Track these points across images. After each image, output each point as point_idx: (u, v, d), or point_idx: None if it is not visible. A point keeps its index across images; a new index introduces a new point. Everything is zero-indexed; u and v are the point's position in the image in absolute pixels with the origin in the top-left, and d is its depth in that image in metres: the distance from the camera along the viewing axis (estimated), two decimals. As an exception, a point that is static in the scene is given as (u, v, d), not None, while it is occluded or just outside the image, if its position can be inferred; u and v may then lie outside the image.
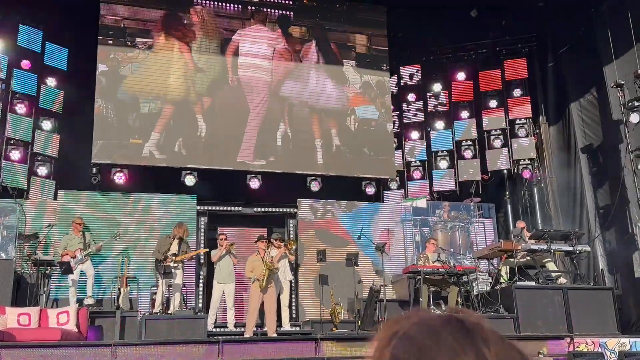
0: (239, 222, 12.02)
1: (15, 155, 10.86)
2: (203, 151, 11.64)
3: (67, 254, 9.47)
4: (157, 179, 11.62)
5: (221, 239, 9.86)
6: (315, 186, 12.02)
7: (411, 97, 13.91)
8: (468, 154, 13.35)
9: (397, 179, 13.18)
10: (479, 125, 13.55)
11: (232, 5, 12.44)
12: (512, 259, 9.90)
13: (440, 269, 9.35)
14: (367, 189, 12.47)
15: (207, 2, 12.28)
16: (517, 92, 13.50)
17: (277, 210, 12.19)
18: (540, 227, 11.51)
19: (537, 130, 13.38)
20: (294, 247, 10.39)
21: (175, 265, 9.31)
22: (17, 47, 11.38)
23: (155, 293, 9.70)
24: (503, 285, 9.82)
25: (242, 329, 9.35)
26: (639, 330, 9.85)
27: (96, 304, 9.62)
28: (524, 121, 13.30)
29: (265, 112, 12.14)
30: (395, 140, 13.29)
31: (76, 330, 7.96)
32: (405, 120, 13.83)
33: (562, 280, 9.79)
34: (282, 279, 9.93)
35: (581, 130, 12.35)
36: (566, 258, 10.73)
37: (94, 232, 10.35)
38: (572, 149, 12.49)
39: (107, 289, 10.26)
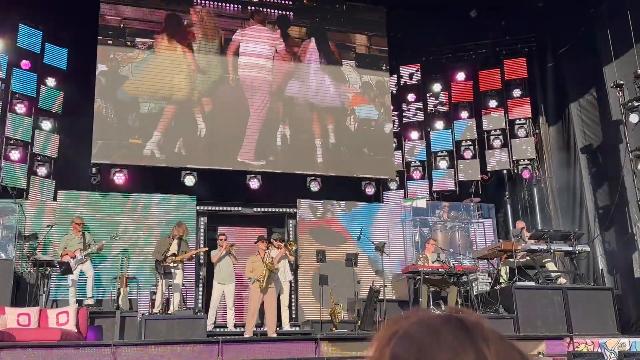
0: (239, 222, 12.01)
1: (15, 155, 10.86)
2: (203, 151, 11.64)
3: (67, 254, 9.46)
4: (157, 179, 11.61)
5: (221, 240, 9.86)
6: (314, 186, 12.02)
7: (411, 97, 13.92)
8: (468, 154, 13.35)
9: (397, 179, 13.19)
10: (479, 125, 13.56)
11: (231, 5, 12.44)
12: (511, 259, 9.90)
13: (439, 269, 9.35)
14: (367, 189, 12.48)
15: (207, 2, 12.28)
16: (516, 92, 13.50)
17: (277, 210, 12.19)
18: (539, 228, 11.51)
19: (537, 131, 13.39)
20: (294, 248, 10.39)
21: (175, 265, 9.30)
22: (17, 47, 11.38)
23: (154, 293, 9.70)
24: (503, 285, 9.82)
25: (242, 329, 9.35)
26: (638, 330, 9.85)
27: (96, 304, 9.61)
28: (524, 121, 13.30)
29: (265, 112, 12.14)
30: (395, 140, 13.30)
31: (76, 330, 7.95)
32: (405, 120, 13.83)
33: (562, 280, 9.79)
34: (282, 279, 9.93)
35: (581, 130, 12.35)
36: (566, 258, 10.74)
37: (94, 232, 10.35)
38: (572, 149, 12.50)
39: (107, 289, 10.26)
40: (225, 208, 11.90)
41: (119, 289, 9.81)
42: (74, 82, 11.72)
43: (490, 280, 10.62)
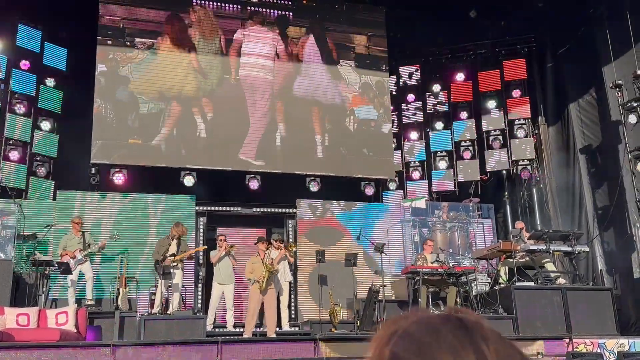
0: (238, 223, 12.01)
1: (14, 155, 10.86)
2: (202, 151, 11.65)
3: (67, 254, 9.45)
4: (156, 180, 11.61)
5: (220, 240, 9.86)
6: (314, 187, 12.03)
7: (410, 97, 13.93)
8: (467, 154, 13.36)
9: (396, 179, 13.19)
10: (478, 125, 13.56)
11: (231, 5, 12.44)
12: (511, 260, 9.90)
13: (439, 270, 9.35)
14: (366, 190, 12.48)
15: (206, 2, 12.28)
16: (516, 93, 13.51)
17: (276, 210, 12.18)
18: (539, 228, 11.53)
19: (536, 131, 13.39)
20: (294, 249, 10.38)
21: (175, 265, 9.30)
22: (16, 47, 11.38)
23: (154, 293, 9.69)
24: (502, 285, 9.82)
25: (241, 330, 9.35)
26: (637, 330, 9.86)
27: (95, 304, 9.60)
28: (523, 122, 13.31)
29: (264, 112, 12.15)
30: (394, 140, 13.30)
31: (75, 330, 7.95)
32: (405, 120, 13.84)
33: (561, 280, 9.79)
34: (281, 279, 9.92)
35: (580, 130, 12.36)
36: (565, 258, 10.74)
37: (93, 232, 10.33)
38: (571, 150, 12.51)
39: (106, 289, 10.25)
40: (224, 208, 11.90)
41: (118, 289, 9.81)
42: (74, 82, 11.72)
43: (489, 281, 10.62)
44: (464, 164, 13.33)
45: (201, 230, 11.56)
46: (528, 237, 10.26)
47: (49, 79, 11.65)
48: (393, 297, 11.10)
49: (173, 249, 9.41)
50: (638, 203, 10.16)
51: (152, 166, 11.42)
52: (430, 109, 13.95)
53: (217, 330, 9.80)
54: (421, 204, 12.31)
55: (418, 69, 13.96)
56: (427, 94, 13.98)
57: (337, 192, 12.21)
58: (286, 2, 12.83)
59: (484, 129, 13.51)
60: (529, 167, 13.04)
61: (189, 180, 11.32)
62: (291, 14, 12.85)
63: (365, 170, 12.50)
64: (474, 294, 9.63)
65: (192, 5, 12.19)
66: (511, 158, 13.14)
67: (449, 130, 13.64)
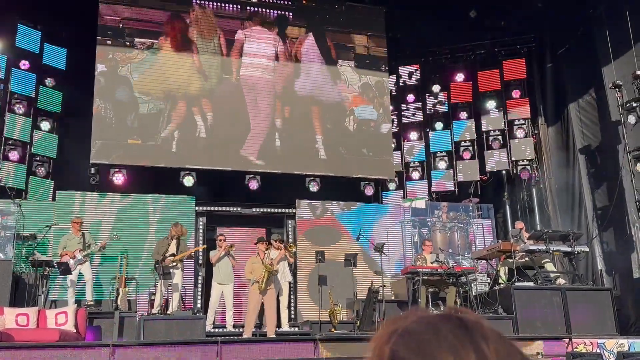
0: (238, 223, 12.00)
1: (14, 155, 10.85)
2: (202, 151, 11.64)
3: (67, 254, 9.44)
4: (156, 180, 11.60)
5: (220, 240, 9.86)
6: (314, 187, 12.03)
7: (410, 97, 13.94)
8: (467, 154, 13.37)
9: (396, 179, 13.19)
10: (478, 126, 13.57)
11: (231, 5, 12.44)
12: (510, 260, 9.90)
13: (438, 270, 9.34)
14: (366, 190, 12.47)
15: (206, 2, 12.28)
16: (515, 93, 13.51)
17: (276, 210, 12.18)
18: (538, 228, 11.53)
19: (536, 131, 13.40)
20: (294, 249, 10.38)
21: (174, 265, 9.29)
22: (16, 47, 11.38)
23: (153, 293, 9.69)
24: (502, 286, 9.82)
25: (241, 330, 9.35)
26: (637, 330, 9.86)
27: (95, 305, 9.60)
28: (523, 122, 13.31)
29: (264, 113, 12.14)
30: (394, 140, 13.30)
31: (74, 330, 7.94)
32: (404, 120, 13.85)
33: (561, 280, 9.79)
34: (281, 280, 9.92)
35: (579, 131, 12.36)
36: (565, 259, 10.73)
37: (92, 232, 10.32)
38: (571, 150, 12.51)
39: (106, 289, 10.25)
40: (224, 208, 11.89)
41: (117, 289, 9.80)
42: (73, 82, 11.72)
43: (489, 281, 10.62)
44: (464, 164, 13.33)
45: (201, 231, 11.56)
46: (528, 238, 10.26)
47: (48, 79, 11.65)
48: (392, 298, 11.09)
49: (173, 249, 9.41)
50: (637, 203, 10.16)
51: (151, 166, 11.42)
52: (430, 109, 13.96)
53: (216, 330, 9.80)
54: (421, 204, 12.32)
55: (418, 69, 13.97)
56: (427, 94, 13.99)
57: (336, 192, 12.21)
58: (286, 2, 12.83)
59: (484, 129, 13.52)
60: (528, 167, 13.05)
61: (188, 181, 11.32)
62: (291, 14, 12.86)
63: (365, 171, 12.50)
64: (473, 294, 9.63)
65: (192, 5, 12.19)
66: (511, 158, 13.15)
67: (449, 131, 13.65)
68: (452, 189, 13.30)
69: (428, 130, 13.81)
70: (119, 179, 11.15)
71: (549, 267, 10.12)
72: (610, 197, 11.35)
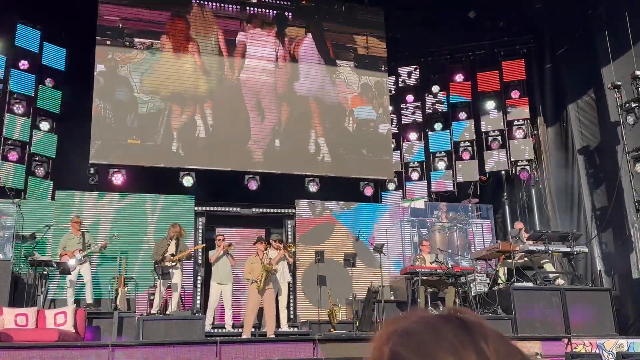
0: (237, 223, 12.00)
1: (13, 155, 10.85)
2: (202, 151, 11.64)
3: (66, 254, 9.43)
4: (155, 180, 11.59)
5: (219, 240, 9.86)
6: (313, 187, 12.03)
7: (409, 97, 13.95)
8: (466, 155, 13.37)
9: (395, 179, 13.20)
10: (477, 126, 13.57)
11: (230, 5, 12.44)
12: (509, 260, 9.90)
13: (438, 270, 9.34)
14: (365, 190, 12.47)
15: (206, 2, 12.27)
16: (515, 94, 13.52)
17: (275, 211, 12.18)
18: (538, 228, 11.53)
19: (535, 132, 13.41)
20: (293, 249, 10.38)
21: (173, 265, 9.29)
22: (15, 47, 11.37)
23: (152, 294, 9.68)
24: (501, 286, 9.82)
25: (240, 330, 9.34)
26: (636, 331, 9.86)
27: (94, 305, 9.59)
28: (522, 122, 13.32)
29: (264, 113, 12.14)
30: (394, 140, 13.31)
31: (73, 330, 7.94)
32: (404, 121, 13.86)
33: (560, 281, 9.79)
34: (280, 280, 9.92)
35: (579, 131, 12.37)
36: (564, 259, 10.73)
37: (92, 232, 10.32)
38: (570, 150, 12.52)
39: (105, 289, 10.24)
40: (223, 208, 11.89)
41: (117, 289, 9.79)
42: (73, 82, 11.71)
43: (488, 281, 10.63)
44: (463, 165, 13.34)
45: (200, 231, 11.55)
46: (527, 238, 10.27)
47: (47, 79, 11.64)
48: (392, 298, 11.10)
49: (172, 249, 9.40)
50: (636, 204, 10.17)
51: (151, 166, 11.42)
52: (429, 110, 13.96)
53: (215, 330, 9.80)
54: (420, 204, 12.32)
55: (417, 70, 13.98)
56: (426, 95, 13.99)
57: (336, 193, 12.21)
58: (285, 3, 12.84)
59: (483, 129, 13.53)
60: (527, 167, 13.05)
61: (187, 181, 11.31)
62: (290, 14, 12.86)
63: (364, 171, 12.50)
64: (472, 294, 9.63)
65: (191, 6, 12.19)
66: (510, 158, 13.15)
67: (448, 131, 13.65)
68: (452, 189, 13.30)
69: (427, 130, 13.82)
70: (118, 179, 11.15)
71: (548, 267, 10.13)
72: (609, 198, 11.36)
